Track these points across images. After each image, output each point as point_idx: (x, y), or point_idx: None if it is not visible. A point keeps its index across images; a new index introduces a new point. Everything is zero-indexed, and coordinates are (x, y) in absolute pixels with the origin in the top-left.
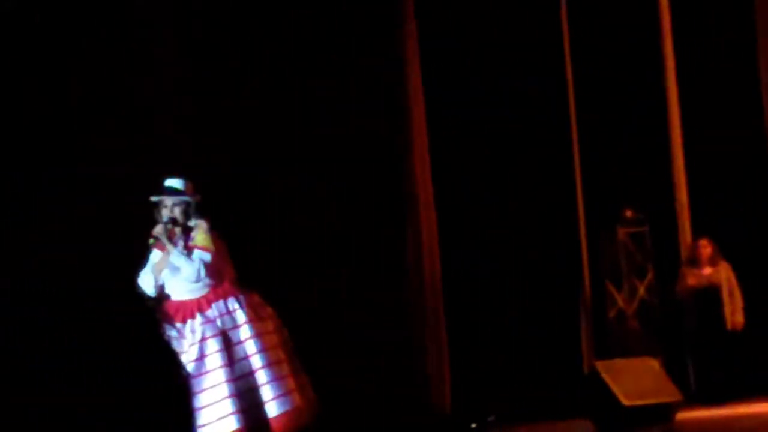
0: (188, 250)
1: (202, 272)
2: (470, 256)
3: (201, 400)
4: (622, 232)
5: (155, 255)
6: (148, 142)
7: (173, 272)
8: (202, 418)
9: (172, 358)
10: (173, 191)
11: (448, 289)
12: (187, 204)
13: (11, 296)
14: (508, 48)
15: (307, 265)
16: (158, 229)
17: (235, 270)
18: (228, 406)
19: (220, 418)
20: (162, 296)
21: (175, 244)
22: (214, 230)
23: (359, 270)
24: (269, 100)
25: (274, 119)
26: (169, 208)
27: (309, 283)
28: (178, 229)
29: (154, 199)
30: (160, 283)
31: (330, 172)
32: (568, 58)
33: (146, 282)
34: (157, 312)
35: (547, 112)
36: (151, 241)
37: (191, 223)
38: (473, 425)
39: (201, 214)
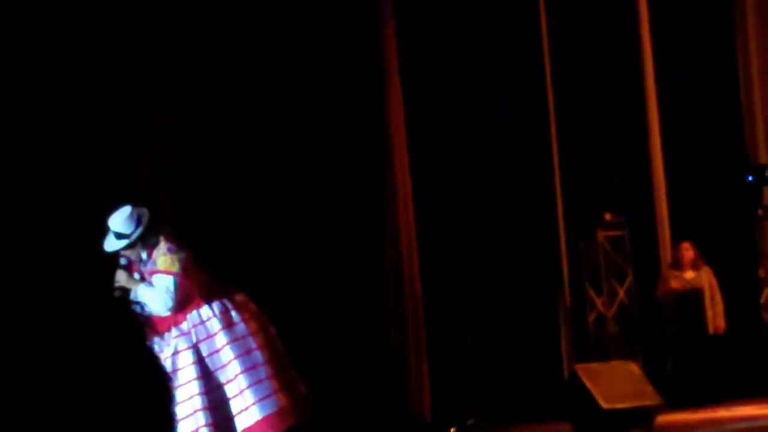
0: (151, 275)
1: (170, 302)
2: (450, 260)
3: (177, 413)
4: (601, 236)
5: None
6: (148, 142)
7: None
8: (179, 431)
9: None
10: (116, 236)
11: (428, 293)
12: (131, 244)
13: (11, 296)
14: (487, 53)
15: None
16: (120, 278)
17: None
18: (201, 418)
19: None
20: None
21: (136, 279)
22: (177, 239)
23: (342, 273)
24: (269, 100)
25: (274, 119)
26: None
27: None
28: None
29: (105, 249)
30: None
31: (329, 171)
32: (547, 63)
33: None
34: (145, 327)
35: (527, 116)
36: (117, 294)
37: (143, 254)
38: (452, 429)
39: (156, 231)
